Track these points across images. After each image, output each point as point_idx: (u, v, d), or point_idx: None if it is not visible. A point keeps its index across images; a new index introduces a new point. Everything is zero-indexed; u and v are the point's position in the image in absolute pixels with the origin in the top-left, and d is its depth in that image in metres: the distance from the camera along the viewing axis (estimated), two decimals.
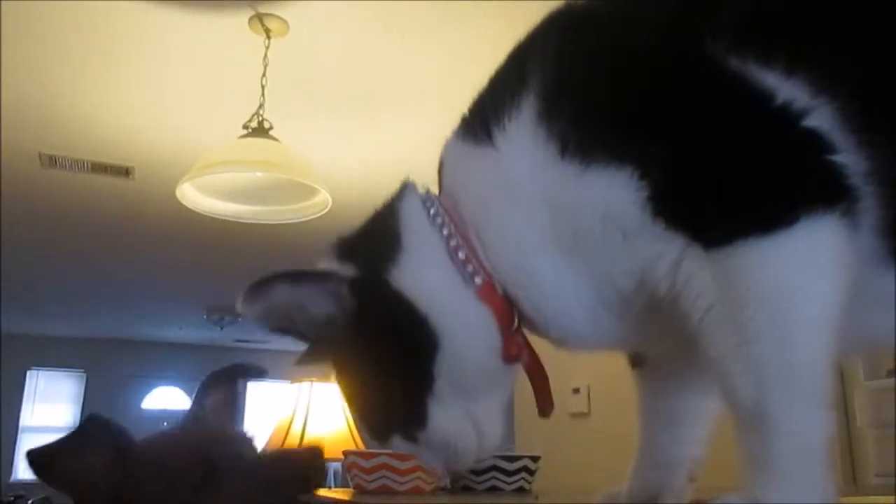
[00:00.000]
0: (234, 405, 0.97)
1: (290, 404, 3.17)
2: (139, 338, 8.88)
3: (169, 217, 4.18)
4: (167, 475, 0.77)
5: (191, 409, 0.99)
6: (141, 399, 9.12)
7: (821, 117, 0.48)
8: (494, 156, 0.57)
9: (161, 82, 2.97)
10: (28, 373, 8.66)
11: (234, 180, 2.69)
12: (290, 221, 2.97)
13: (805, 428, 0.44)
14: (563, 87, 0.54)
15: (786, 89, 0.48)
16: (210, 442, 0.84)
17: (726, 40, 0.50)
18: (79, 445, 0.68)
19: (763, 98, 0.48)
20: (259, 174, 2.67)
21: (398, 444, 0.59)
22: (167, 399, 9.27)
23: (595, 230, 0.52)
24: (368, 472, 1.07)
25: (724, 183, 0.48)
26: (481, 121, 0.59)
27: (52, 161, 3.60)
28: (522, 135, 0.55)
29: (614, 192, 0.50)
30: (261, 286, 0.59)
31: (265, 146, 2.59)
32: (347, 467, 1.13)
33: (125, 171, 3.73)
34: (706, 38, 0.51)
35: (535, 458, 1.15)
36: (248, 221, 2.93)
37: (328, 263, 0.62)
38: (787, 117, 0.48)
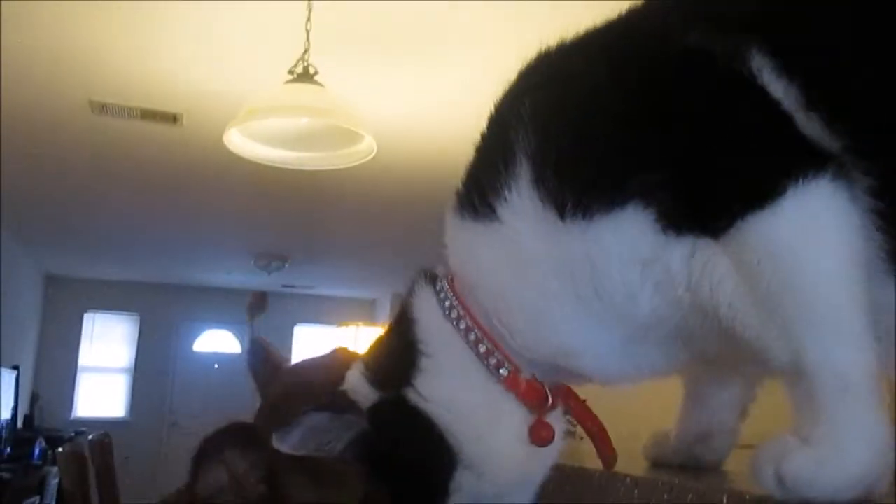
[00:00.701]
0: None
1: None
2: (189, 282, 9.10)
3: (216, 163, 4.24)
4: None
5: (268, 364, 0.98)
6: (192, 342, 9.38)
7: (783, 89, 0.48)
8: (501, 230, 0.56)
9: (207, 28, 2.98)
10: (85, 315, 8.95)
11: (280, 126, 2.71)
12: (335, 168, 2.99)
13: (846, 369, 0.45)
14: (548, 147, 0.54)
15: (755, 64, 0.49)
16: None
17: (688, 21, 0.51)
18: (204, 468, 0.68)
19: (737, 86, 0.49)
20: (305, 120, 2.68)
21: None
22: (217, 342, 9.52)
23: (614, 274, 0.51)
24: None
25: (716, 173, 0.49)
26: (479, 195, 0.58)
27: (102, 108, 3.66)
28: (523, 204, 0.54)
29: (624, 231, 0.50)
30: (290, 424, 0.56)
31: (311, 92, 2.59)
32: None
33: (173, 118, 3.77)
34: (664, 26, 0.51)
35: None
36: (294, 168, 2.96)
37: (354, 378, 0.61)
38: (759, 97, 0.48)
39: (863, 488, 0.41)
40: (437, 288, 0.60)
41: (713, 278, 0.49)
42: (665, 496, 0.44)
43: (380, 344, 0.62)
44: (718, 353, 0.55)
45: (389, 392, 0.57)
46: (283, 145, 2.79)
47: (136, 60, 3.21)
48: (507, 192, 0.55)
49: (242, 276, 8.44)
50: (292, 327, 9.80)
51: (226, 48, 3.08)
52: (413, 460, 0.56)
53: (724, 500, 0.39)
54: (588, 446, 0.71)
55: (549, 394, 0.56)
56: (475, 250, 0.58)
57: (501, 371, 0.55)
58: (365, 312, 9.31)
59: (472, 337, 0.56)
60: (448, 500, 0.55)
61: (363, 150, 2.76)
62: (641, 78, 0.52)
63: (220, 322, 9.47)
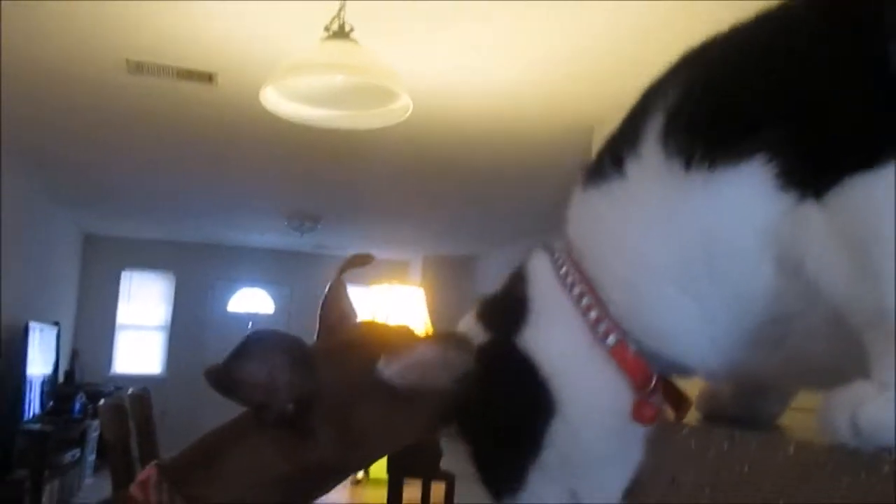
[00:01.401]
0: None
1: (369, 309, 3.25)
2: (224, 242, 9.20)
3: (251, 123, 4.24)
4: (349, 368, 0.77)
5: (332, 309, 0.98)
6: (227, 301, 9.52)
7: None
8: (623, 188, 0.55)
9: None
10: (122, 274, 9.11)
11: (315, 85, 2.70)
12: (370, 127, 2.98)
13: None
14: (685, 100, 0.53)
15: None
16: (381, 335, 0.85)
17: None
18: (249, 354, 0.70)
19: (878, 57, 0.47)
20: (340, 78, 2.66)
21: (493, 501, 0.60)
22: (252, 301, 9.65)
23: (731, 239, 0.50)
24: None
25: (835, 131, 0.47)
26: (611, 156, 0.57)
27: (139, 67, 3.67)
28: (650, 156, 0.53)
29: (745, 186, 0.49)
30: (403, 349, 0.59)
31: (346, 49, 2.57)
32: None
33: (209, 77, 3.77)
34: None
35: None
36: (329, 127, 2.95)
37: (466, 322, 0.62)
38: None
39: None
40: (555, 255, 0.60)
41: (809, 234, 0.47)
42: (725, 446, 0.43)
43: (491, 298, 0.63)
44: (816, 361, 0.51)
45: (498, 336, 0.58)
46: (318, 104, 2.78)
47: (172, 20, 3.20)
48: (637, 148, 0.54)
49: (276, 237, 8.51)
50: (325, 287, 9.89)
51: (261, 6, 3.06)
52: (513, 403, 0.56)
53: (791, 450, 0.38)
54: None
55: (653, 374, 0.54)
56: (590, 217, 0.58)
57: (609, 339, 0.55)
58: (398, 273, 9.36)
59: (584, 302, 0.56)
60: (539, 454, 0.55)
61: (399, 109, 2.74)
62: (787, 40, 0.51)
63: (254, 281, 9.59)
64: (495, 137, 4.35)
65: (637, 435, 0.54)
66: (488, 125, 4.17)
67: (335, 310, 0.94)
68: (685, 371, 0.55)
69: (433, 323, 3.16)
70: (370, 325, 0.86)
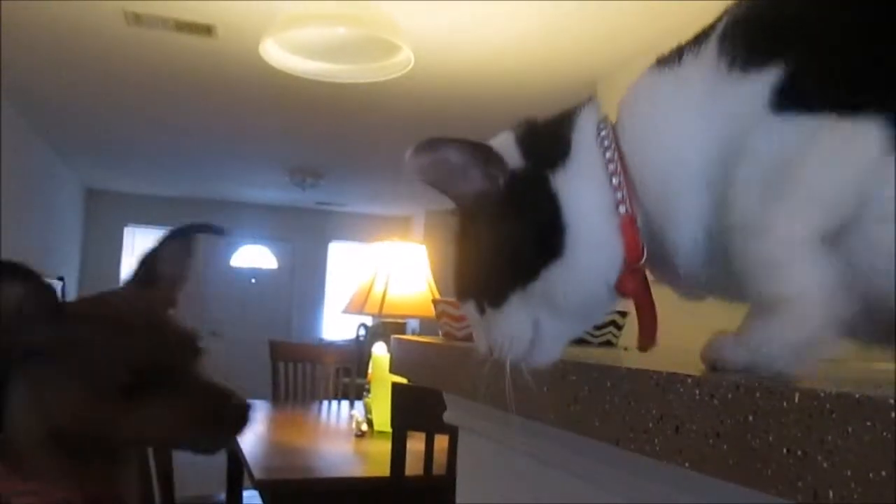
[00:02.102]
0: (187, 260, 1.06)
1: (371, 266, 3.25)
2: (225, 198, 9.19)
3: (252, 76, 4.20)
4: (101, 347, 0.87)
5: (143, 265, 1.07)
6: (229, 257, 9.54)
7: None
8: (674, 74, 0.58)
9: None
10: (125, 229, 9.12)
11: (316, 37, 2.66)
12: (372, 80, 2.95)
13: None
14: (748, 10, 0.56)
15: None
16: (149, 319, 0.95)
17: None
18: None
19: None
20: (341, 31, 2.63)
21: (467, 308, 0.64)
22: (254, 257, 9.67)
23: (735, 140, 0.52)
24: (458, 319, 1.09)
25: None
26: (679, 47, 0.60)
27: (137, 19, 3.62)
28: (705, 53, 0.56)
29: (755, 94, 0.52)
30: (433, 144, 0.60)
31: (347, 2, 2.53)
32: (438, 316, 1.15)
33: (207, 30, 3.72)
34: None
35: (623, 314, 1.15)
36: (330, 80, 2.92)
37: (503, 140, 0.63)
38: None
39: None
40: (601, 118, 0.63)
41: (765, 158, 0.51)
42: (729, 396, 0.43)
43: (535, 126, 0.65)
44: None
45: (535, 168, 0.60)
46: (319, 57, 2.75)
47: None
48: (699, 43, 0.57)
49: (277, 192, 8.49)
50: (327, 244, 9.91)
51: None
52: (529, 233, 0.58)
53: (796, 398, 0.38)
54: (634, 356, 0.71)
55: (644, 253, 0.59)
56: (639, 94, 0.61)
57: (621, 208, 0.58)
58: (400, 230, 9.36)
59: (610, 168, 0.59)
60: (529, 283, 0.58)
61: (400, 62, 2.71)
62: None
63: (256, 237, 9.60)
64: (498, 91, 4.31)
65: (604, 305, 0.62)
66: (491, 79, 4.12)
67: (165, 265, 1.13)
68: (668, 269, 0.59)
69: (436, 280, 3.16)
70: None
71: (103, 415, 0.87)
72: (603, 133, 0.61)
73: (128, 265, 9.09)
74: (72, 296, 7.12)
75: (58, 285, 6.41)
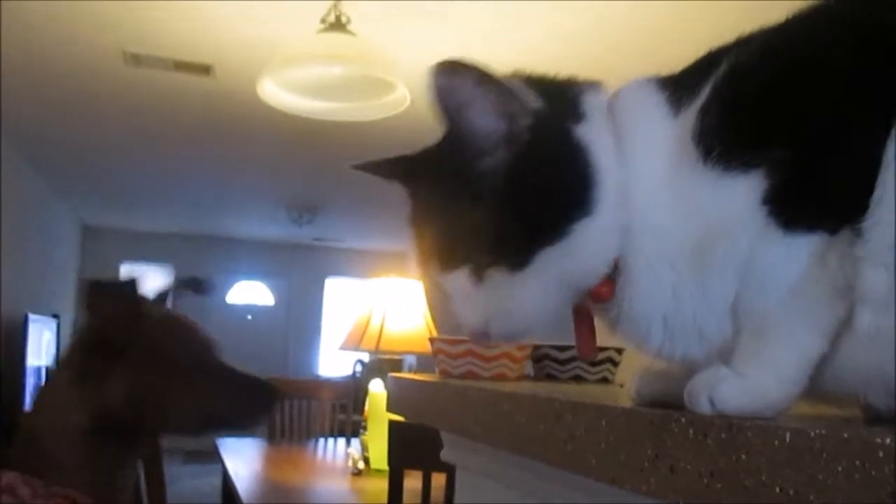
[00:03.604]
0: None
1: (368, 301, 3.25)
2: (222, 234, 9.20)
3: (249, 115, 4.24)
4: (172, 337, 1.18)
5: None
6: (225, 293, 9.52)
7: None
8: (671, 124, 0.56)
9: None
10: (122, 266, 9.11)
11: (312, 77, 2.69)
12: (368, 118, 2.98)
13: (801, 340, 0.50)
14: (724, 87, 0.54)
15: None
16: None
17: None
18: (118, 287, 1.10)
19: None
20: (338, 70, 2.66)
21: (454, 279, 0.58)
22: (250, 293, 9.65)
23: (715, 237, 0.52)
24: (455, 357, 1.09)
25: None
26: (678, 88, 0.57)
27: (136, 59, 3.67)
28: (685, 127, 0.54)
29: (737, 195, 0.51)
30: (454, 67, 0.56)
31: (343, 41, 2.57)
32: (434, 353, 1.16)
33: (206, 69, 3.77)
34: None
35: (619, 350, 1.16)
36: (327, 118, 2.95)
37: (514, 83, 0.58)
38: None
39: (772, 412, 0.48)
40: (604, 94, 0.60)
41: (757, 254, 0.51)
42: (723, 435, 0.43)
43: (541, 78, 0.61)
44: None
45: (553, 112, 0.56)
46: (315, 96, 2.78)
47: (169, 11, 3.19)
48: (684, 102, 0.56)
49: (274, 228, 8.51)
50: (324, 280, 9.90)
51: None
52: (563, 181, 0.55)
53: (787, 437, 0.39)
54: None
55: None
56: (642, 117, 0.58)
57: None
58: (396, 265, 9.35)
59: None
60: (558, 240, 0.54)
61: (396, 100, 2.74)
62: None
63: (253, 273, 9.59)
64: None
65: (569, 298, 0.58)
66: None
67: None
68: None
69: (433, 315, 3.16)
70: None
71: (160, 393, 1.08)
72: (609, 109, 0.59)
73: None
74: (66, 332, 7.09)
75: (53, 322, 6.38)
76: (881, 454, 0.33)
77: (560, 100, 0.58)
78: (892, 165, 0.46)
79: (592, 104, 0.58)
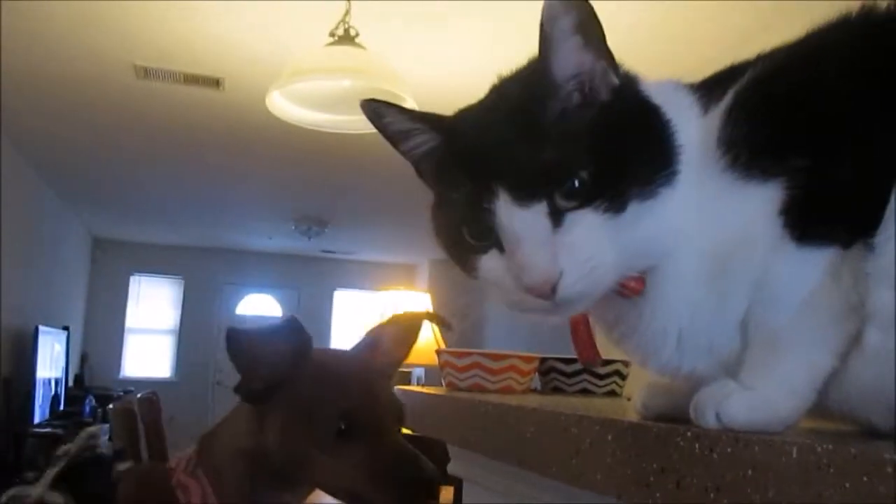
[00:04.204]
0: (411, 344, 1.11)
1: (376, 314, 3.25)
2: (231, 246, 9.23)
3: (258, 127, 4.26)
4: (323, 391, 0.96)
5: (370, 336, 1.13)
6: (234, 305, 9.54)
7: None
8: (700, 124, 0.55)
9: None
10: (131, 278, 9.15)
11: (321, 89, 2.71)
12: (377, 131, 2.99)
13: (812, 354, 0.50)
14: (751, 93, 0.54)
15: None
16: (366, 380, 1.01)
17: None
18: (271, 335, 0.95)
19: None
20: (346, 83, 2.67)
21: (530, 216, 0.52)
22: (259, 305, 9.67)
23: (740, 245, 0.52)
24: (461, 370, 1.09)
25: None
26: (705, 93, 0.58)
27: (147, 72, 3.70)
28: (712, 131, 0.54)
29: (756, 202, 0.51)
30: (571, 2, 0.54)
31: (352, 54, 2.58)
32: (441, 365, 1.15)
33: (216, 82, 3.79)
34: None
35: (626, 364, 1.15)
36: (336, 131, 2.96)
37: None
38: None
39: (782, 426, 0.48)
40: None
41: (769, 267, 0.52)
42: (729, 449, 0.43)
43: None
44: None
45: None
46: (324, 108, 2.79)
47: (179, 25, 3.22)
48: (717, 99, 0.56)
49: (283, 241, 8.52)
50: (332, 292, 9.91)
51: (267, 12, 3.07)
52: (649, 132, 0.54)
53: (794, 453, 0.38)
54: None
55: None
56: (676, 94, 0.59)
57: None
58: (404, 278, 9.36)
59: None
60: (647, 187, 0.52)
61: None
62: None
63: (262, 286, 9.61)
64: None
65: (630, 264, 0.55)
66: None
67: (390, 342, 1.16)
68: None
69: (440, 329, 3.15)
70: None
71: (310, 451, 0.95)
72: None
73: (133, 314, 9.10)
74: (76, 344, 7.12)
75: (63, 334, 6.41)
76: (889, 470, 0.33)
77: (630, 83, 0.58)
78: None
79: (644, 88, 0.58)
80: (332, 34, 2.63)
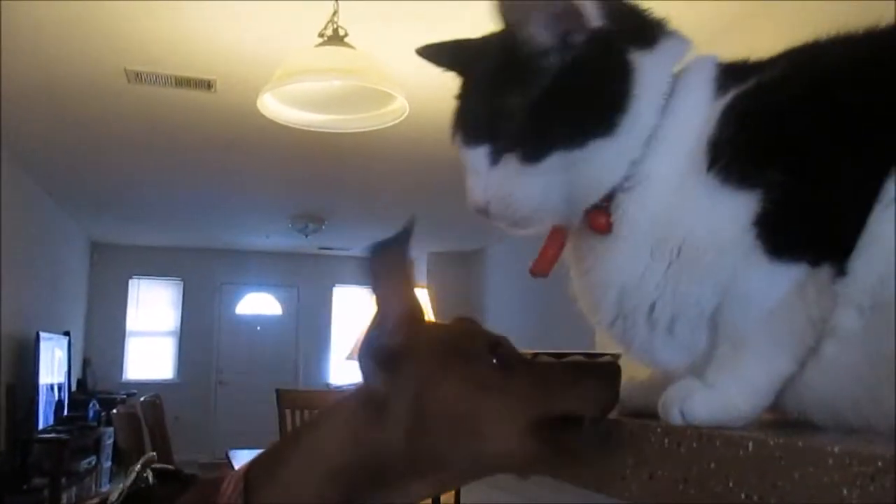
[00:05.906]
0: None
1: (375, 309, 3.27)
2: (229, 246, 9.24)
3: (251, 128, 4.27)
4: (451, 339, 0.73)
5: None
6: (234, 305, 9.57)
7: None
8: (708, 107, 0.57)
9: None
10: (130, 282, 9.16)
11: (312, 90, 2.72)
12: (368, 129, 3.01)
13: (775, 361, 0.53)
14: (746, 101, 0.55)
15: None
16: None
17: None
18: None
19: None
20: (337, 83, 2.69)
21: (473, 154, 0.60)
22: (258, 304, 9.70)
23: (703, 249, 0.54)
24: None
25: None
26: (739, 72, 0.59)
27: (138, 76, 3.71)
28: (711, 121, 0.56)
29: (729, 210, 0.53)
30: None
31: (341, 54, 2.60)
32: None
33: (207, 85, 3.81)
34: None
35: (616, 356, 1.17)
36: (327, 130, 2.98)
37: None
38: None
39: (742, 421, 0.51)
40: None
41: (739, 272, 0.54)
42: (694, 444, 0.46)
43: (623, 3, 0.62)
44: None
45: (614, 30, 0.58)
46: (315, 109, 2.81)
47: (170, 28, 3.23)
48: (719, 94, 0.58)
49: (280, 239, 8.55)
50: (331, 289, 9.94)
51: (256, 13, 3.09)
52: (595, 97, 0.57)
53: (750, 447, 0.41)
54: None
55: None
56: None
57: None
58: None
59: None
60: (573, 148, 0.56)
61: (395, 110, 2.77)
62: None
63: (261, 285, 9.63)
64: None
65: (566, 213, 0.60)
66: None
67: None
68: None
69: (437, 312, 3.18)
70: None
71: (475, 398, 0.67)
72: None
73: (134, 316, 9.12)
74: (78, 349, 7.15)
75: (64, 339, 6.44)
76: (831, 461, 0.36)
77: (632, 26, 0.59)
78: (886, 210, 0.48)
79: (670, 48, 0.60)
80: (321, 34, 2.64)
